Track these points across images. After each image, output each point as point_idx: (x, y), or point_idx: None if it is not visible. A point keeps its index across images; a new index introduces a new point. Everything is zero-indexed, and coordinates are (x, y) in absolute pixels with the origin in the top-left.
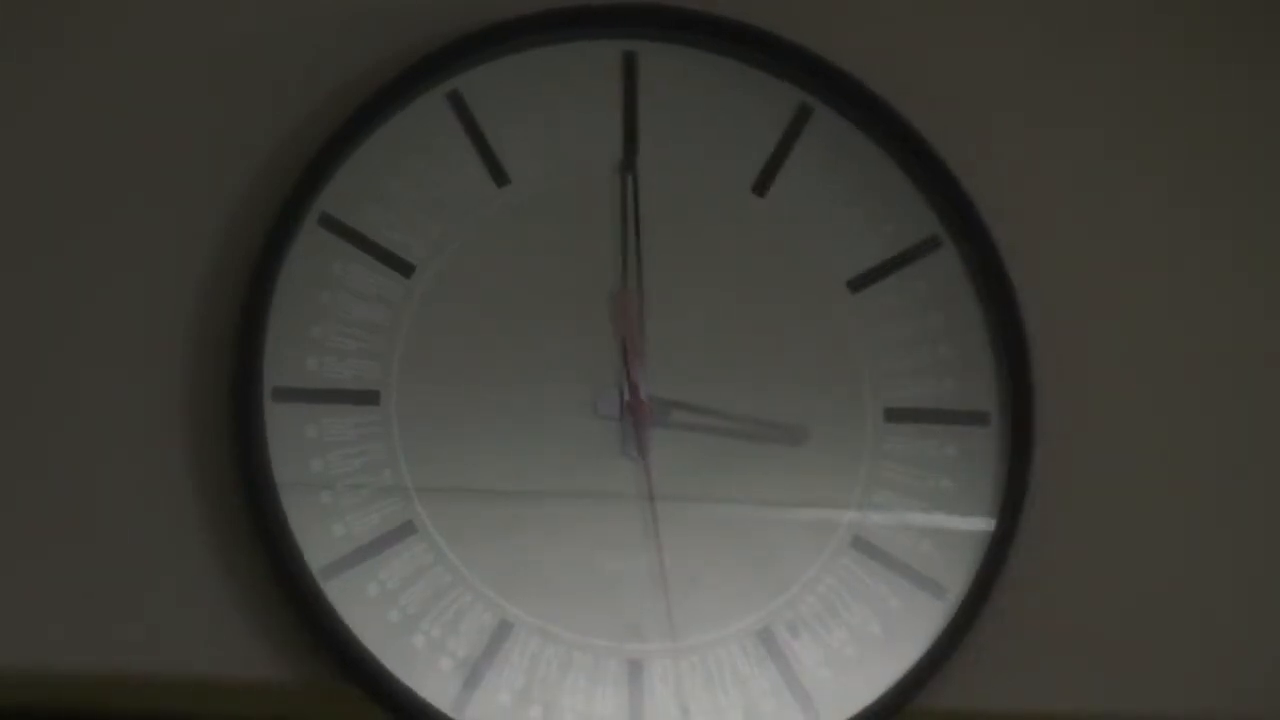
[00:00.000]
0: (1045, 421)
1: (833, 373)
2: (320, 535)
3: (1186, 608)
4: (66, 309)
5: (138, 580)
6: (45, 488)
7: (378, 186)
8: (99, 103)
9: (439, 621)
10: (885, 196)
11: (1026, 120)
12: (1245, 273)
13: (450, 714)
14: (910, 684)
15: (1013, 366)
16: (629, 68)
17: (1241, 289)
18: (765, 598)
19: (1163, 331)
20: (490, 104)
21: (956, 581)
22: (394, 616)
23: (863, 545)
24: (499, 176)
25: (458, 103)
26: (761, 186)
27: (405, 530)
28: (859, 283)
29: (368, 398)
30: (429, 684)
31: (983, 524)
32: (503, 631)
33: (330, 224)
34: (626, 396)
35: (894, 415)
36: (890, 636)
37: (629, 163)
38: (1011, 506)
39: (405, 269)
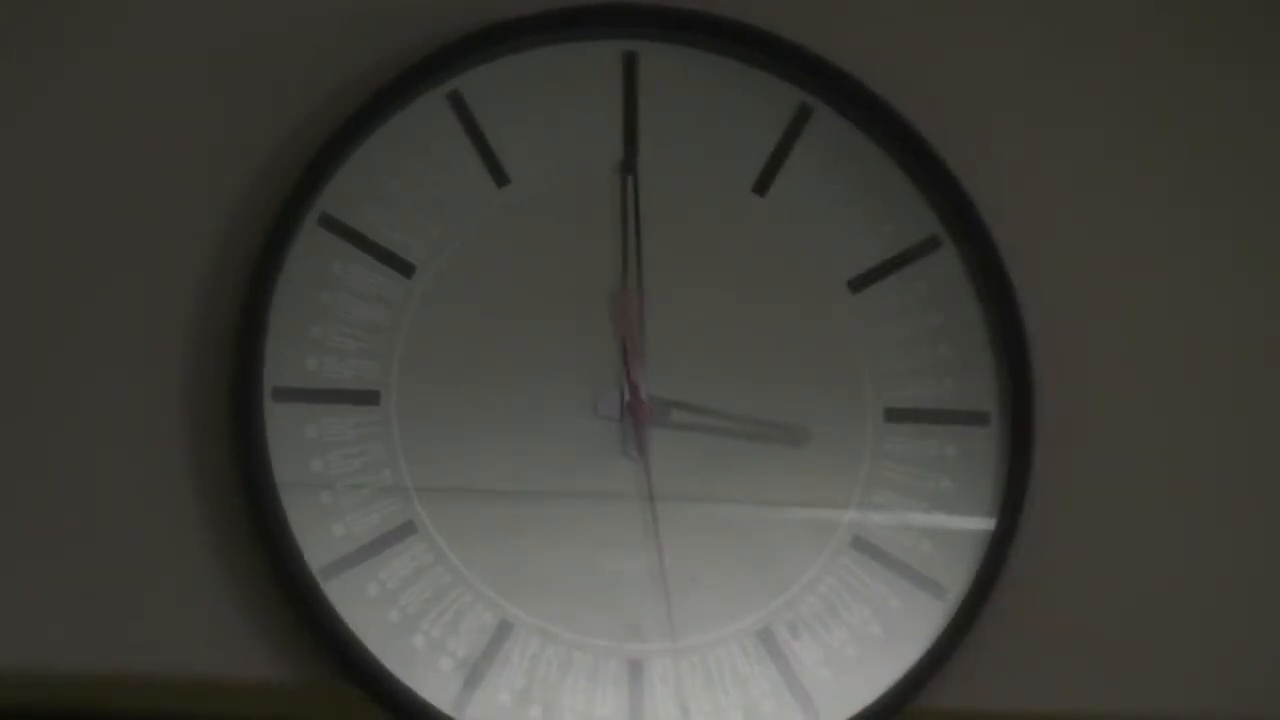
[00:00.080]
0: (1045, 421)
1: (833, 373)
2: (320, 535)
3: (1186, 608)
4: (66, 309)
5: (138, 580)
6: (45, 488)
7: (378, 186)
8: (99, 103)
9: (439, 621)
10: (885, 196)
11: (1026, 120)
12: (1245, 273)
13: (450, 714)
14: (910, 684)
15: (1013, 366)
16: (629, 68)
17: (1241, 289)
18: (765, 598)
19: (1163, 331)
20: (490, 104)
21: (956, 581)
22: (394, 616)
23: (863, 545)
24: (499, 176)
25: (458, 103)
26: (762, 186)
27: (405, 530)
28: (859, 283)
29: (368, 398)
30: (429, 684)
31: (983, 524)
32: (503, 631)
33: (330, 224)
34: (626, 396)
35: (894, 415)
36: (890, 636)
37: (629, 163)
38: (1011, 506)
39: (405, 269)
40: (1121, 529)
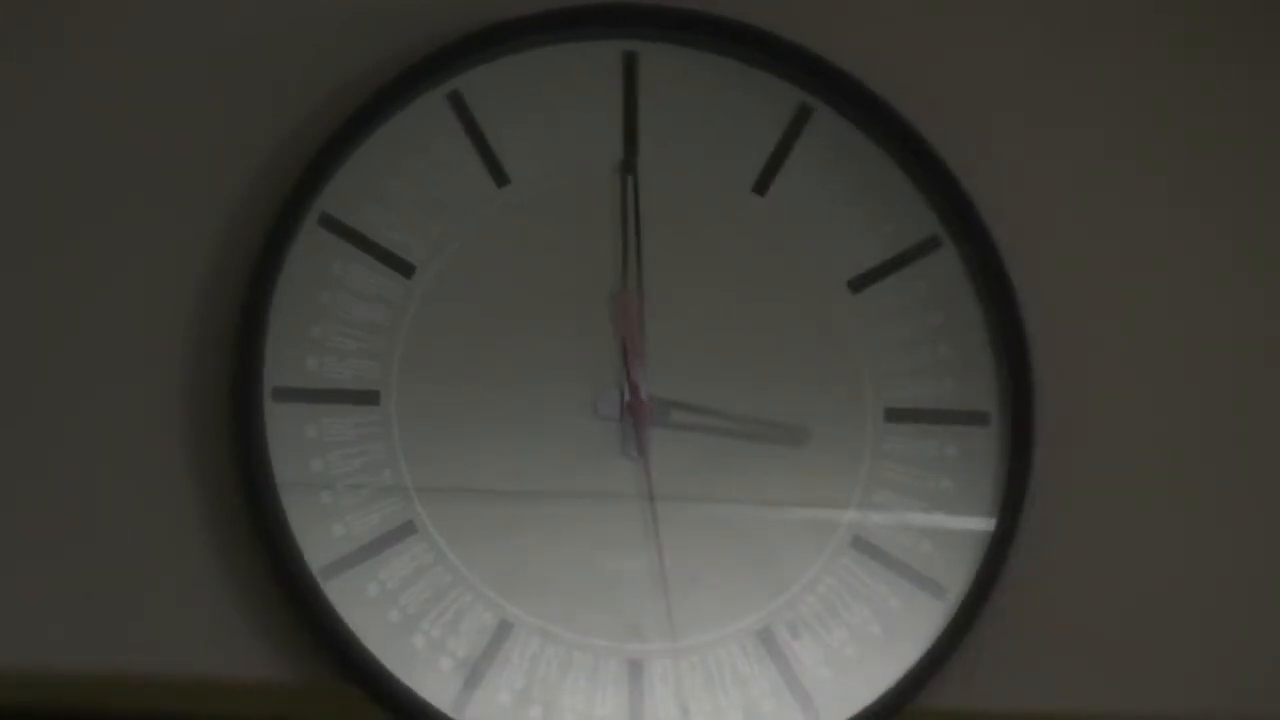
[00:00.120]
0: (1045, 421)
1: (833, 373)
2: (320, 535)
3: (1186, 608)
4: (66, 309)
5: (138, 580)
6: (45, 488)
7: (378, 186)
8: (99, 103)
9: (439, 621)
10: (885, 196)
11: (1026, 120)
12: (1245, 273)
13: (450, 714)
14: (910, 684)
15: (1013, 366)
16: (629, 68)
17: (1241, 289)
18: (765, 598)
19: (1163, 331)
20: (490, 104)
21: (956, 581)
22: (394, 616)
23: (863, 545)
24: (499, 176)
25: (458, 103)
26: (762, 186)
27: (405, 530)
28: (859, 283)
29: (368, 398)
30: (429, 684)
31: (983, 524)
32: (503, 631)
33: (330, 224)
34: (626, 396)
35: (894, 415)
36: (890, 636)
37: (629, 163)
38: (1011, 506)
39: (405, 269)
40: (1121, 529)
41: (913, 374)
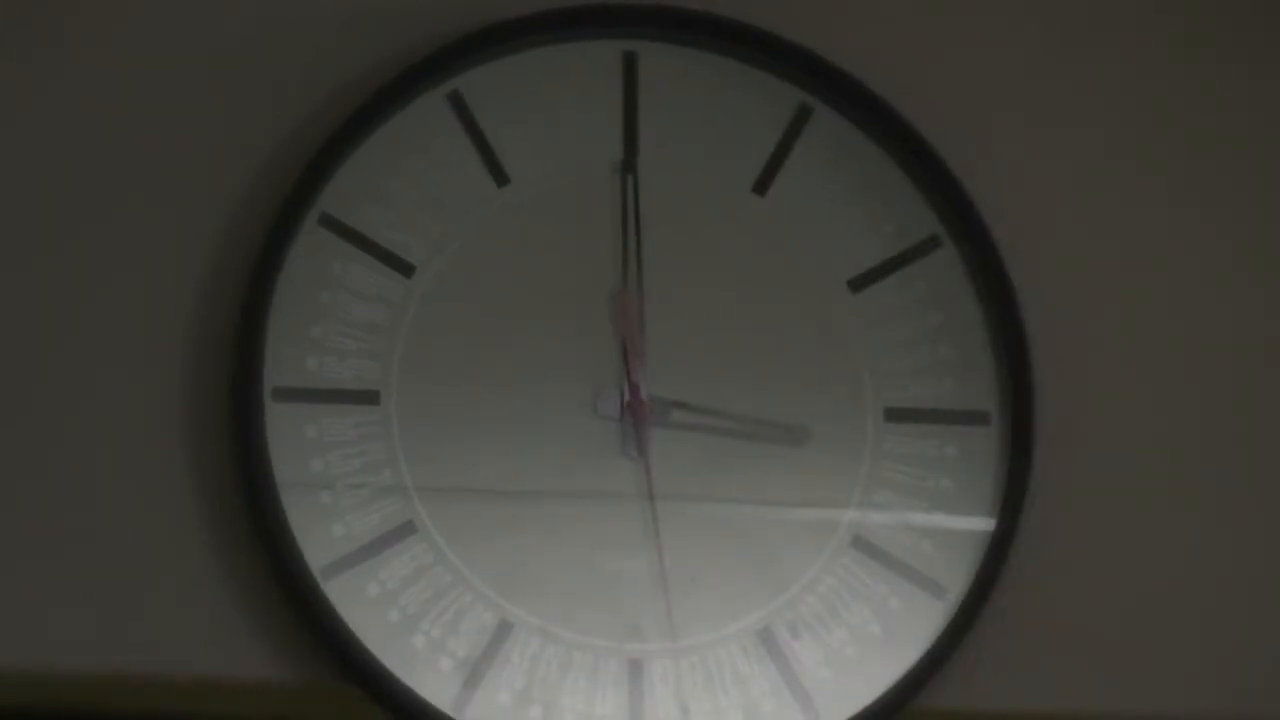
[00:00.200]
0: (1045, 421)
1: (833, 373)
2: (320, 535)
3: (1186, 608)
4: (66, 309)
5: (138, 580)
6: (45, 488)
7: (378, 186)
8: (99, 103)
9: (439, 621)
10: (885, 196)
11: (1026, 120)
12: (1245, 273)
13: (450, 714)
14: (910, 684)
15: (1013, 366)
16: (629, 68)
17: (1241, 289)
18: (765, 598)
19: (1163, 331)
20: (490, 104)
21: (956, 581)
22: (394, 616)
23: (863, 545)
24: (499, 176)
25: (458, 103)
26: (762, 186)
27: (405, 530)
28: (859, 283)
29: (368, 398)
30: (429, 684)
31: (983, 524)
32: (503, 631)
33: (330, 224)
34: (626, 396)
35: (894, 415)
36: (890, 636)
37: (629, 163)
38: (1011, 506)
39: (405, 269)
40: (1121, 529)
41: (913, 374)
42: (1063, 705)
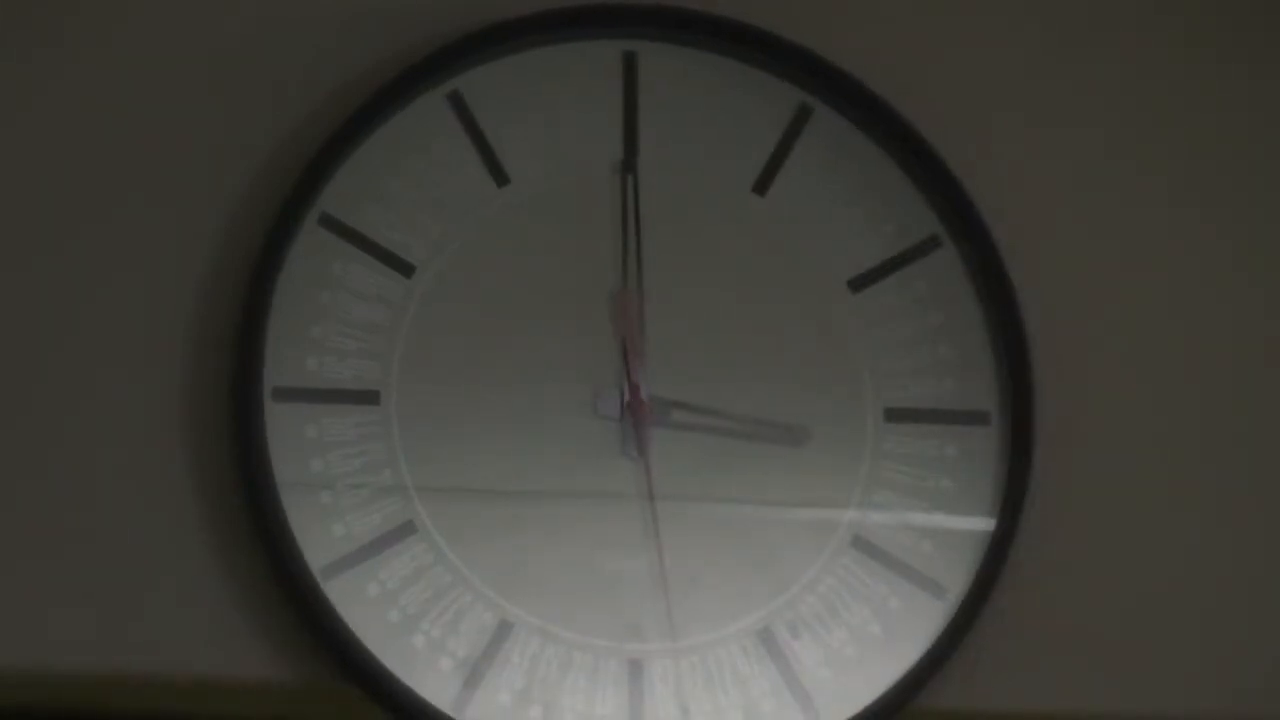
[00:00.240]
0: (1045, 421)
1: (833, 373)
2: (320, 535)
3: (1186, 608)
4: (66, 309)
5: (138, 580)
6: (45, 488)
7: (378, 186)
8: (99, 103)
9: (439, 621)
10: (885, 196)
11: (1026, 120)
12: (1245, 273)
13: (450, 714)
14: (910, 684)
15: (1013, 366)
16: (629, 68)
17: (1241, 289)
18: (765, 598)
19: (1163, 331)
20: (490, 104)
21: (956, 581)
22: (394, 616)
23: (863, 545)
24: (499, 176)
25: (458, 103)
26: (762, 186)
27: (405, 530)
28: (859, 283)
29: (368, 398)
30: (429, 684)
31: (983, 524)
32: (503, 631)
33: (330, 224)
34: (626, 396)
35: (894, 415)
36: (890, 636)
37: (629, 163)
38: (1011, 506)
39: (405, 269)
40: (1121, 529)
41: (913, 374)
42: (1063, 705)
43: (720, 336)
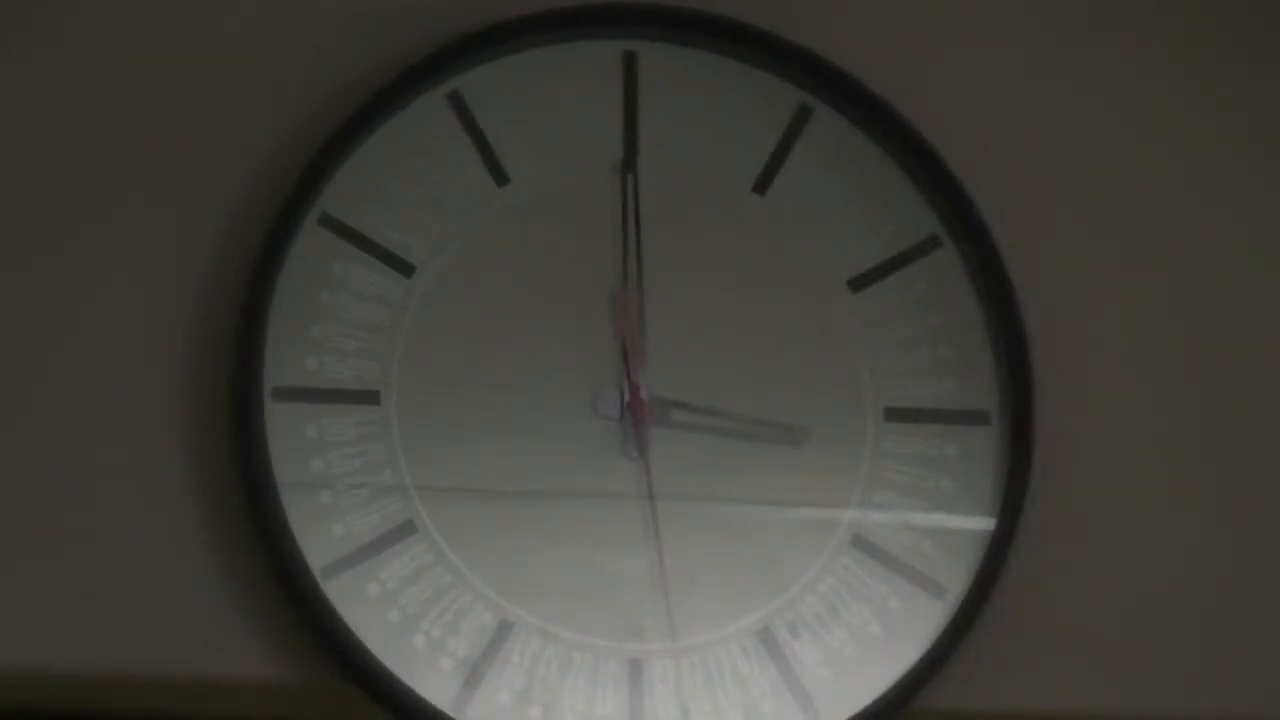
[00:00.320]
0: (1045, 421)
1: (833, 373)
2: (320, 535)
3: (1186, 608)
4: (66, 309)
5: (138, 580)
6: (45, 488)
7: (378, 186)
8: (99, 103)
9: (439, 621)
10: (885, 196)
11: (1026, 120)
12: (1245, 273)
13: (450, 714)
14: (910, 684)
15: (1013, 366)
16: (629, 68)
17: (1241, 289)
18: (765, 598)
19: (1163, 331)
20: (490, 104)
21: (956, 581)
22: (394, 616)
23: (863, 545)
24: (499, 176)
25: (458, 103)
26: (762, 186)
27: (405, 530)
28: (859, 282)
29: (368, 398)
30: (429, 684)
31: (983, 524)
32: (503, 631)
33: (330, 224)
34: (626, 396)
35: (894, 415)
36: (890, 636)
37: (629, 163)
38: (1011, 506)
39: (405, 269)
40: (1121, 529)
41: (913, 374)
42: (1063, 705)
43: (720, 336)
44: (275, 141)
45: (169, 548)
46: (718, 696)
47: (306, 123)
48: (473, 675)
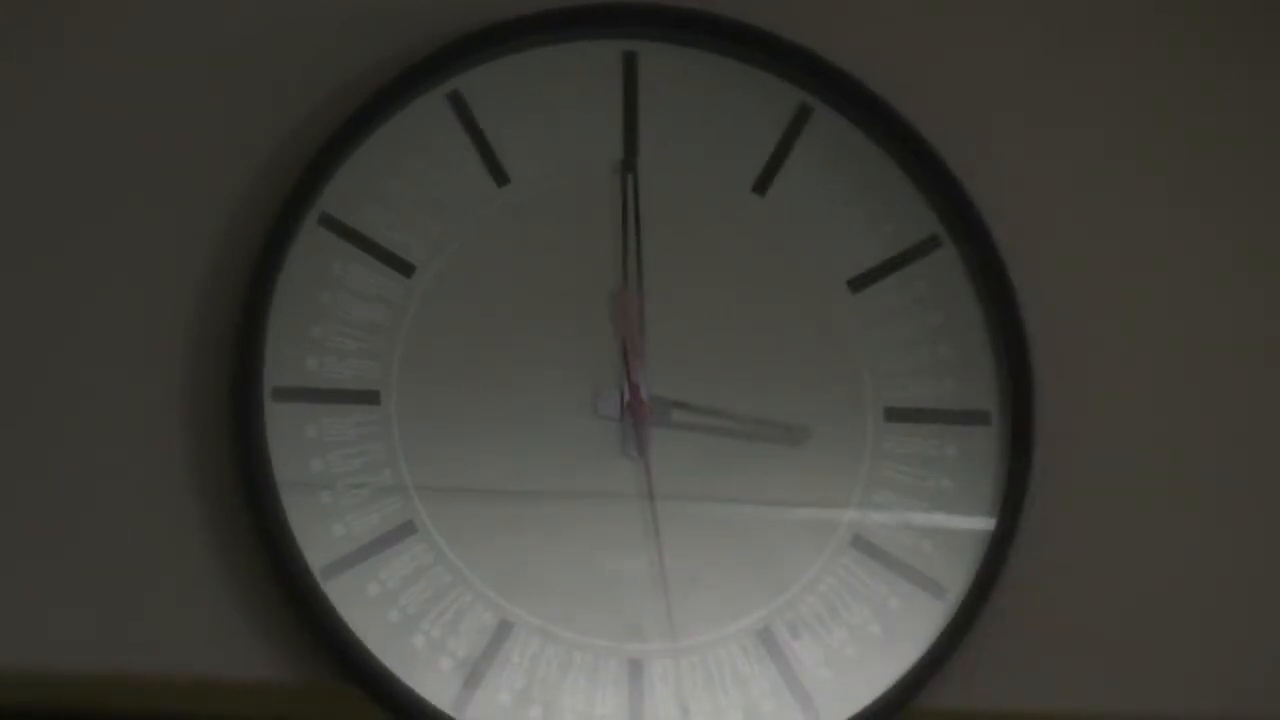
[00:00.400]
0: (1045, 421)
1: (833, 373)
2: (320, 535)
3: (1186, 608)
4: (66, 309)
5: (138, 580)
6: (45, 488)
7: (378, 186)
8: (99, 103)
9: (439, 621)
10: (885, 196)
11: (1026, 120)
12: (1245, 273)
13: (450, 714)
14: (910, 684)
15: (1013, 366)
16: (629, 68)
17: (1241, 289)
18: (765, 598)
19: (1163, 331)
20: (490, 104)
21: (956, 581)
22: (394, 616)
23: (863, 545)
24: (499, 176)
25: (458, 103)
26: (762, 186)
27: (405, 530)
28: (859, 283)
29: (368, 397)
30: (429, 684)
31: (983, 524)
32: (503, 631)
33: (330, 224)
34: (626, 396)
35: (894, 415)
36: (890, 636)
37: (629, 163)
38: (1011, 506)
39: (405, 269)
40: (1121, 529)
41: (913, 374)
42: (1063, 705)
43: (720, 336)
44: (275, 141)
45: (169, 548)
46: (718, 696)
47: (306, 123)
48: (473, 675)
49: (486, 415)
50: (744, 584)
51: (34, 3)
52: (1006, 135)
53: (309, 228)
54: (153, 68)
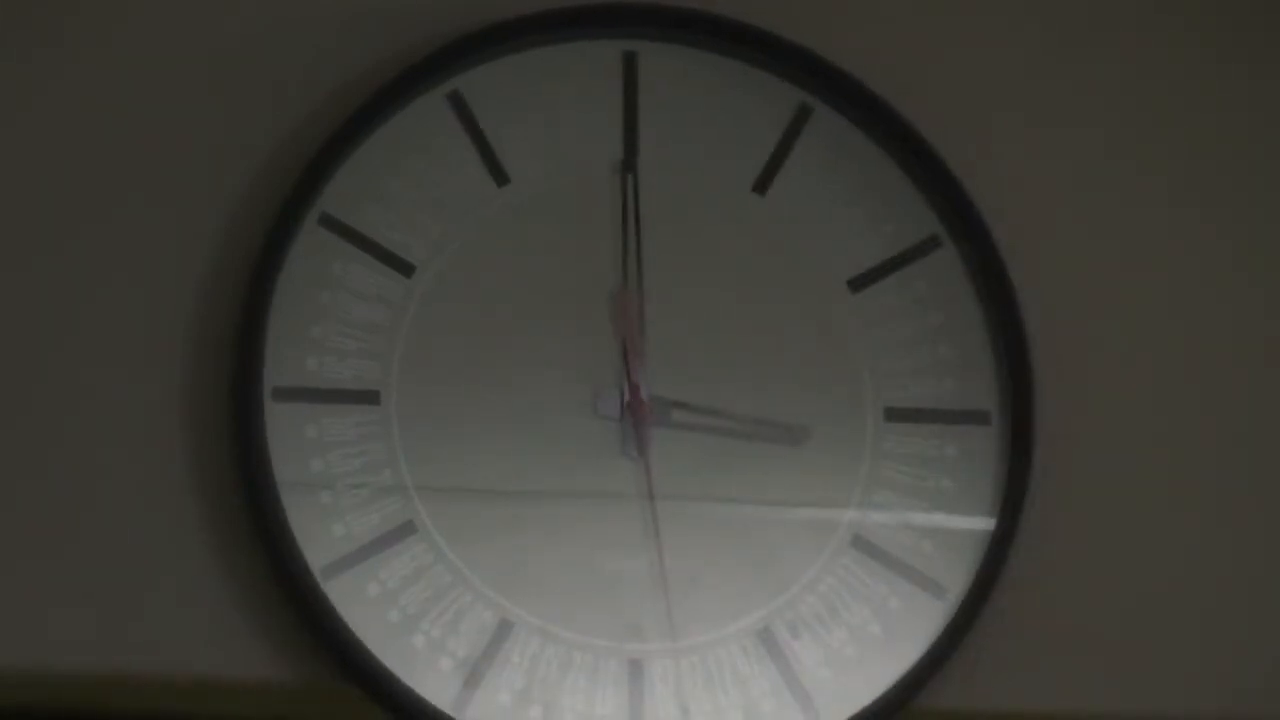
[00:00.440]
0: (1045, 421)
1: (833, 373)
2: (320, 535)
3: (1186, 608)
4: (66, 309)
5: (138, 580)
6: (45, 488)
7: (378, 186)
8: (99, 103)
9: (439, 621)
10: (885, 196)
11: (1026, 120)
12: (1245, 273)
13: (450, 714)
14: (910, 684)
15: (1013, 366)
16: (629, 68)
17: (1241, 289)
18: (765, 598)
19: (1163, 331)
20: (490, 104)
21: (956, 581)
22: (394, 616)
23: (863, 545)
24: (499, 176)
25: (458, 103)
26: (762, 186)
27: (405, 530)
28: (859, 283)
29: (368, 397)
30: (429, 684)
31: (983, 524)
32: (503, 631)
33: (330, 224)
34: (626, 396)
35: (894, 415)
36: (890, 636)
37: (629, 163)
38: (1011, 506)
39: (405, 269)
40: (1121, 529)
41: (913, 374)
42: (1063, 705)
43: (720, 336)
44: (275, 141)
45: (169, 548)
46: (718, 696)
47: (306, 123)
48: (473, 675)
49: (486, 415)
50: (744, 584)
51: (34, 3)
52: (1006, 135)
53: (309, 228)
54: (153, 68)
